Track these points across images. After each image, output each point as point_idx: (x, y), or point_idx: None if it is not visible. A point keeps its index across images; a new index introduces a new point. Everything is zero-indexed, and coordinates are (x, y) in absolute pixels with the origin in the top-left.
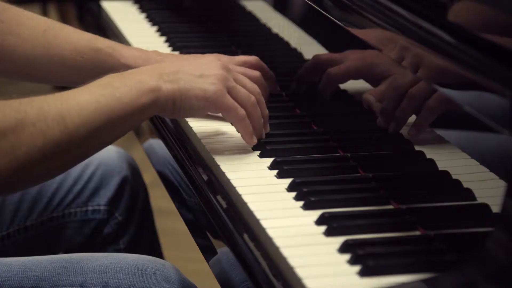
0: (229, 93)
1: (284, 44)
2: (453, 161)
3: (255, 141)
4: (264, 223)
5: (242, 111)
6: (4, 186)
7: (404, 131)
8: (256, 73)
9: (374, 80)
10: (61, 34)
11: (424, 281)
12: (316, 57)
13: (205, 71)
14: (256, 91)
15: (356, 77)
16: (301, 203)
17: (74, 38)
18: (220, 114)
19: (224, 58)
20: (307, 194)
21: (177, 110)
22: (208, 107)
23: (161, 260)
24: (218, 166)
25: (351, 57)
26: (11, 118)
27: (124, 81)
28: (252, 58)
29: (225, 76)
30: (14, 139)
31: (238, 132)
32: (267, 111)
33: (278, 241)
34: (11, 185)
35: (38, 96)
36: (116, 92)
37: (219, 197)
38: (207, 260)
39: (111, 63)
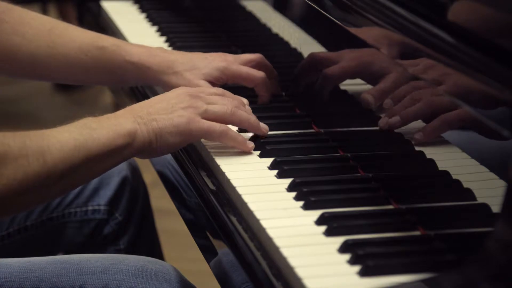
0: (203, 117)
1: (284, 44)
2: (453, 161)
3: (252, 146)
4: (264, 223)
5: (221, 126)
6: None
7: (404, 131)
8: (261, 74)
9: (371, 78)
10: (65, 33)
11: (424, 281)
12: (311, 56)
13: (174, 105)
14: (228, 115)
15: (352, 76)
16: (301, 203)
17: (78, 36)
18: None
19: (230, 57)
20: (307, 194)
21: (154, 150)
22: (185, 139)
23: (162, 261)
24: (218, 166)
25: (346, 57)
26: None
27: (101, 123)
28: (257, 56)
29: (194, 105)
30: None
31: (230, 146)
32: (253, 118)
33: (278, 241)
34: None
35: (21, 132)
36: (93, 133)
37: (219, 197)
38: (207, 260)
39: (115, 60)
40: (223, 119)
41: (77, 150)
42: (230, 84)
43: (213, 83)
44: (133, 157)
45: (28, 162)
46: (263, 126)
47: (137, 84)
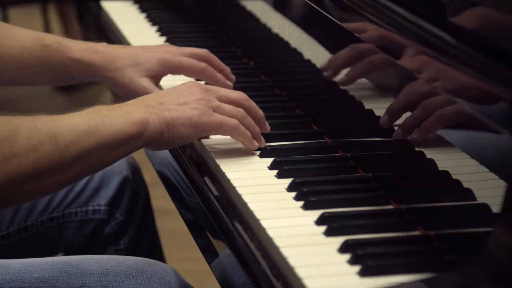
0: (215, 112)
1: (284, 44)
2: (453, 161)
3: (256, 145)
4: (264, 223)
5: (233, 120)
6: None
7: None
8: (203, 64)
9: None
10: (10, 34)
11: (424, 281)
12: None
13: (186, 97)
14: (242, 99)
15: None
16: (301, 203)
17: (22, 36)
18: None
19: (173, 48)
20: (307, 194)
21: (165, 141)
22: (198, 132)
23: (162, 263)
24: (218, 166)
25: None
26: (4, 130)
27: (111, 111)
28: (202, 51)
29: (207, 98)
30: (7, 150)
31: (238, 140)
32: (261, 112)
33: (278, 241)
34: (3, 200)
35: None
36: (105, 119)
37: (219, 197)
38: (207, 260)
39: (58, 58)
40: (232, 117)
41: (89, 134)
42: None
43: (157, 76)
44: (144, 147)
45: (40, 142)
46: (263, 140)
47: (84, 80)
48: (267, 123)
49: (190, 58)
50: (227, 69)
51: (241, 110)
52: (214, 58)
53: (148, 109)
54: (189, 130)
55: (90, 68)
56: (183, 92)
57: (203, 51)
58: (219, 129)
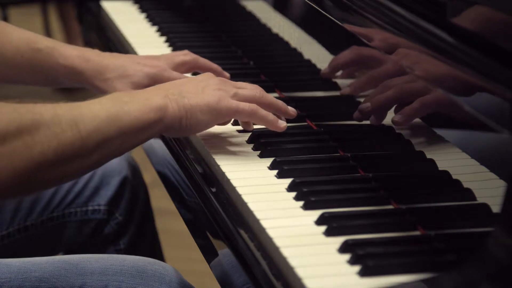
0: (232, 99)
1: (284, 44)
2: (453, 161)
3: (283, 125)
4: (264, 223)
5: (251, 105)
6: (19, 187)
7: (404, 132)
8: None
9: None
10: (3, 33)
11: (424, 281)
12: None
13: (205, 87)
14: (258, 89)
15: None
16: (301, 203)
17: (15, 37)
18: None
19: (162, 61)
20: (307, 194)
21: (184, 128)
22: (215, 118)
23: (162, 262)
24: (218, 166)
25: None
26: (27, 118)
27: (132, 97)
28: (191, 58)
29: (224, 88)
30: (29, 138)
31: (264, 125)
32: (280, 102)
33: (278, 241)
34: (25, 187)
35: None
36: (125, 106)
37: (219, 197)
38: (207, 260)
39: (49, 63)
40: (252, 102)
41: (109, 121)
42: None
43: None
44: (162, 132)
45: (61, 130)
46: (291, 109)
47: (73, 86)
48: (289, 108)
49: (179, 74)
50: (219, 68)
51: (259, 88)
52: (205, 64)
53: (167, 95)
54: (207, 116)
55: (80, 76)
56: (202, 82)
57: (192, 60)
58: (237, 114)
